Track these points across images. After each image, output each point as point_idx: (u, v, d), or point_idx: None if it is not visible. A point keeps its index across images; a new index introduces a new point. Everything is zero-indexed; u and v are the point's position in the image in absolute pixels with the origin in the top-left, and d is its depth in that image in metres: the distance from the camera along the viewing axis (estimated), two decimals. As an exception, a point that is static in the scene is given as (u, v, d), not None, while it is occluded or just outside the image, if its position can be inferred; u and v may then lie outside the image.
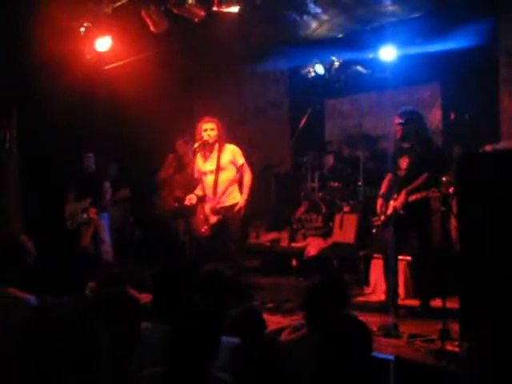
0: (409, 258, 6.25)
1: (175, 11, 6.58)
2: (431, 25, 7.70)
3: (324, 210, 7.90)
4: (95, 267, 6.24)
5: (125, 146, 8.82)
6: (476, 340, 2.78)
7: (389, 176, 6.06)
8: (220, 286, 3.77)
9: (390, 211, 5.73)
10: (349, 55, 8.47)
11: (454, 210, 5.02)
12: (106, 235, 7.69)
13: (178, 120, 8.49)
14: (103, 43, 7.25)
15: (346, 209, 7.55)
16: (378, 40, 8.12)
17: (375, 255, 6.74)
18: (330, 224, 7.65)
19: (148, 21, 6.70)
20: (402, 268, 6.37)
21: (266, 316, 5.56)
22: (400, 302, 5.88)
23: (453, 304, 4.47)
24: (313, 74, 8.73)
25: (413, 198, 5.56)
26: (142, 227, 8.88)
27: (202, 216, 6.46)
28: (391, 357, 4.03)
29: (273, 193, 9.03)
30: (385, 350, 4.33)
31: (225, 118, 6.86)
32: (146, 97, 8.19)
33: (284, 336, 3.51)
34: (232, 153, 6.41)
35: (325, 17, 8.13)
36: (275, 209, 8.91)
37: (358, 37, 8.42)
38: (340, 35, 8.79)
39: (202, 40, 7.86)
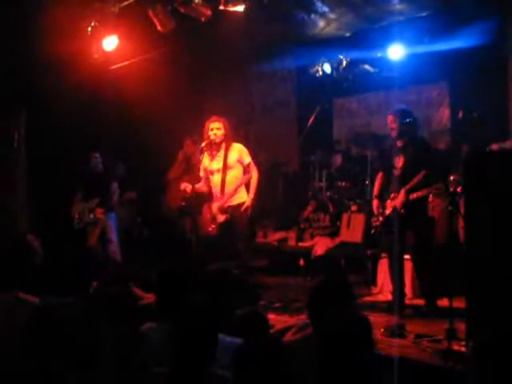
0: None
1: (182, 10, 6.58)
2: (439, 23, 7.66)
3: (331, 209, 7.88)
4: (100, 267, 6.28)
5: (132, 145, 8.83)
6: (482, 340, 2.76)
7: (380, 175, 6.08)
8: (227, 286, 3.77)
9: (388, 211, 5.73)
10: (357, 54, 8.44)
11: (462, 209, 4.99)
12: (113, 235, 7.69)
13: (185, 119, 8.48)
14: (110, 42, 7.26)
15: (354, 208, 7.53)
16: (386, 39, 8.09)
17: (382, 255, 6.73)
18: (338, 223, 7.63)
19: (155, 20, 6.70)
20: (409, 267, 6.35)
21: (273, 315, 5.62)
22: (407, 301, 5.86)
23: (460, 304, 4.45)
24: (321, 72, 8.70)
25: (414, 196, 5.55)
26: (150, 227, 8.88)
27: (209, 215, 6.47)
28: (395, 356, 4.02)
29: (280, 192, 9.03)
30: (391, 350, 4.30)
31: (232, 117, 6.86)
32: (154, 96, 8.19)
33: (289, 336, 3.50)
34: (239, 152, 6.42)
35: (332, 16, 8.11)
36: (283, 208, 8.90)
37: (366, 36, 8.40)
38: (348, 34, 8.76)
39: (208, 39, 7.86)
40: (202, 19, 6.60)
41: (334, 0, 7.64)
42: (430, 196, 6.90)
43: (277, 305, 6.20)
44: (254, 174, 6.45)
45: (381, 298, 6.40)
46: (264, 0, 6.48)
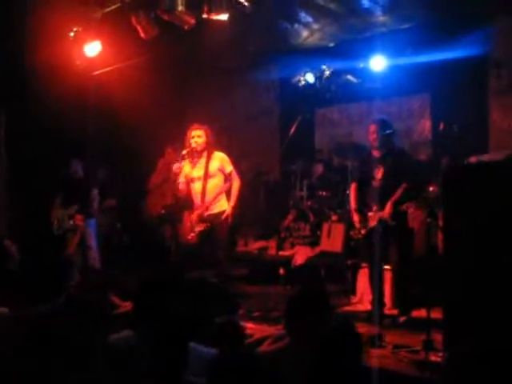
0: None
1: (165, 18, 6.57)
2: (421, 36, 7.73)
3: (312, 218, 7.89)
4: (79, 273, 6.24)
5: (114, 151, 8.79)
6: (457, 351, 2.78)
7: (354, 186, 6.09)
8: (205, 294, 3.76)
9: (373, 223, 5.72)
10: (339, 64, 8.46)
11: (440, 221, 5.03)
12: (92, 242, 7.64)
13: (168, 126, 8.47)
14: (93, 48, 7.23)
15: (334, 218, 7.54)
16: (369, 50, 8.13)
17: (362, 265, 6.74)
18: (318, 233, 7.64)
19: (138, 27, 6.69)
20: (388, 278, 6.37)
21: (252, 324, 5.60)
22: (386, 311, 5.88)
23: (437, 314, 4.47)
24: (303, 82, 8.72)
25: (404, 208, 5.57)
26: (130, 234, 8.84)
27: (188, 223, 6.46)
28: (375, 367, 4.02)
29: (261, 201, 9.03)
30: (369, 360, 4.30)
31: (215, 125, 6.86)
32: (136, 103, 8.17)
33: (265, 346, 3.50)
34: (220, 160, 6.42)
35: (316, 26, 8.16)
36: (264, 217, 8.91)
37: (349, 46, 8.45)
38: (331, 44, 8.82)
39: (192, 47, 7.87)
40: (186, 27, 6.60)
41: (317, 10, 7.68)
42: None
43: (256, 314, 6.18)
44: (236, 183, 6.46)
45: (360, 307, 6.41)
46: (247, 9, 6.48)
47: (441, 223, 4.99)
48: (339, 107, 9.42)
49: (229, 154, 6.58)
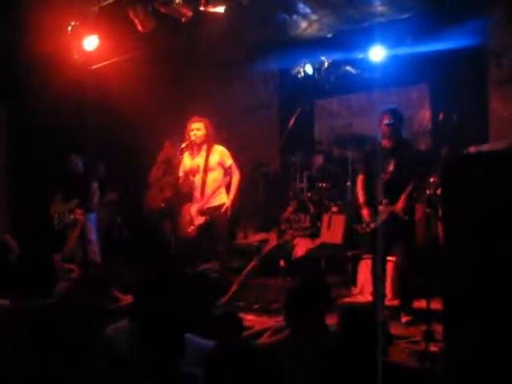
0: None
1: (162, 11, 6.56)
2: (420, 26, 7.70)
3: (312, 210, 7.87)
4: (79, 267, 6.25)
5: (113, 145, 8.77)
6: (455, 343, 2.77)
7: (361, 178, 5.94)
8: (204, 288, 3.75)
9: (384, 217, 5.52)
10: (338, 55, 8.43)
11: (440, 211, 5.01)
12: (93, 235, 7.65)
13: (167, 120, 8.45)
14: (91, 42, 7.22)
15: (334, 209, 7.52)
16: (368, 40, 8.09)
17: (364, 256, 6.74)
18: (318, 224, 7.63)
19: (135, 20, 6.68)
20: (389, 269, 6.37)
21: (252, 316, 5.62)
22: (387, 302, 5.88)
23: (437, 305, 4.47)
24: (302, 74, 8.69)
25: (416, 201, 5.46)
26: (130, 227, 8.84)
27: (188, 216, 6.46)
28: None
29: (261, 193, 9.02)
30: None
31: (214, 118, 6.85)
32: (135, 96, 8.14)
33: (264, 338, 3.50)
34: (220, 154, 6.43)
35: (314, 17, 8.13)
36: (263, 209, 8.89)
37: (348, 37, 8.41)
38: (329, 35, 8.78)
39: (190, 40, 7.84)
40: (183, 20, 6.58)
41: (315, 1, 7.66)
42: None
43: (256, 306, 6.21)
44: (236, 176, 6.46)
45: (361, 298, 6.42)
46: (244, 1, 6.46)
47: (440, 214, 4.98)
48: (339, 98, 9.40)
49: (228, 147, 6.58)
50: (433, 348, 4.23)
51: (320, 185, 8.09)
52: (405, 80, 8.24)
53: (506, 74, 7.58)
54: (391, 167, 5.61)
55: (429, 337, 4.33)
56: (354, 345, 2.70)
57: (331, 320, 3.39)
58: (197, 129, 6.36)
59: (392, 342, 3.96)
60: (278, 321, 4.96)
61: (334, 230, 7.34)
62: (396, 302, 5.86)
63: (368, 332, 2.75)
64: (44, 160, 8.03)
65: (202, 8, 6.41)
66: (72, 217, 7.53)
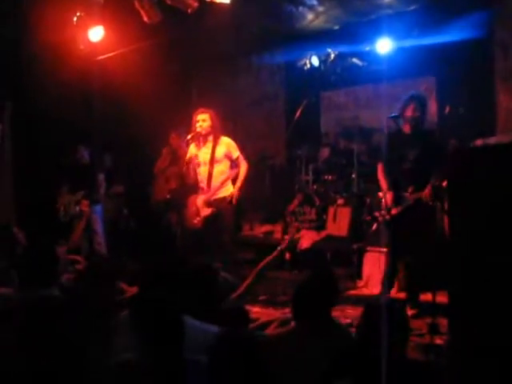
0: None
1: (168, 1, 6.53)
2: (427, 18, 7.68)
3: (318, 202, 7.87)
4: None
5: (119, 137, 8.78)
6: (459, 335, 2.77)
7: (381, 167, 5.77)
8: (210, 281, 3.74)
9: (409, 202, 5.40)
10: (345, 47, 8.42)
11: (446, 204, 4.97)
12: (98, 227, 7.66)
13: (173, 111, 8.43)
14: (96, 33, 7.20)
15: (340, 202, 7.52)
16: (375, 32, 8.07)
17: (369, 248, 6.74)
18: (324, 217, 7.63)
19: (141, 11, 6.65)
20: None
21: (258, 308, 5.62)
22: (393, 295, 5.87)
23: (443, 298, 4.46)
24: (308, 66, 8.67)
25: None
26: (136, 219, 8.85)
27: (194, 208, 6.46)
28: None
29: (267, 185, 9.01)
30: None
31: (220, 110, 6.83)
32: (141, 88, 8.13)
33: (270, 330, 3.50)
34: (227, 146, 6.41)
35: (321, 9, 8.10)
36: (269, 201, 8.90)
37: (355, 29, 8.39)
38: (336, 27, 8.76)
39: (195, 31, 7.83)
40: (189, 11, 6.56)
41: (322, -7, 7.64)
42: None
43: (262, 298, 6.21)
44: (243, 167, 6.45)
45: (366, 291, 6.42)
46: (251, -8, 6.45)
47: (446, 207, 4.95)
48: (345, 90, 9.37)
49: (234, 139, 6.56)
50: (438, 341, 4.23)
51: (326, 177, 8.09)
52: (411, 72, 8.20)
53: (513, 66, 7.55)
54: (414, 155, 5.45)
55: (434, 330, 4.32)
56: (375, 339, 2.67)
57: (336, 313, 3.39)
58: (202, 120, 6.34)
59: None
60: (284, 313, 4.97)
61: (339, 223, 7.34)
62: (402, 295, 5.85)
63: (393, 327, 2.73)
64: (49, 152, 8.03)
65: (207, -2, 6.39)
66: (78, 208, 7.55)
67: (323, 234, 7.48)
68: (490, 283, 3.75)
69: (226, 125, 6.88)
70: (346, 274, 6.88)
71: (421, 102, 5.55)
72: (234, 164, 6.44)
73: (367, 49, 8.32)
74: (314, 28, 8.64)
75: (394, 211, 5.48)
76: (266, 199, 8.95)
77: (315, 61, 8.56)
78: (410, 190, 5.45)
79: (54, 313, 3.16)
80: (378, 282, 6.49)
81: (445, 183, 5.57)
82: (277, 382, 2.98)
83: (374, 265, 6.62)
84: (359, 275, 6.72)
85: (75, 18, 7.05)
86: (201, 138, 6.42)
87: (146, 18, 6.73)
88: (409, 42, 7.85)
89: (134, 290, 4.31)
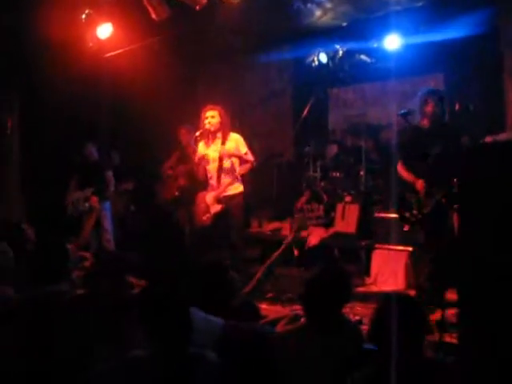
0: (410, 248, 6.26)
1: (176, -2, 6.54)
2: (435, 14, 7.64)
3: (326, 199, 7.87)
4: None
5: (127, 134, 8.79)
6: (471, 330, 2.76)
7: (401, 164, 5.60)
8: (222, 277, 3.73)
9: (439, 197, 5.26)
10: (353, 44, 8.40)
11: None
12: (107, 224, 7.68)
13: (180, 108, 8.44)
14: (104, 30, 7.21)
15: (348, 199, 7.51)
16: (383, 29, 8.05)
17: (377, 245, 6.73)
18: (332, 214, 7.62)
19: (149, 8, 6.65)
20: (403, 258, 6.36)
21: (266, 306, 5.63)
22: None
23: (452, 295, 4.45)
24: (316, 62, 8.66)
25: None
26: (144, 216, 8.85)
27: (203, 205, 6.46)
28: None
29: (275, 182, 9.01)
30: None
31: (228, 107, 6.83)
32: (149, 85, 8.14)
33: (280, 327, 3.50)
34: (236, 142, 6.42)
35: (329, 5, 8.07)
36: (277, 198, 8.89)
37: (363, 25, 8.35)
38: (344, 24, 8.71)
39: (203, 28, 7.82)
40: (197, 7, 6.55)
41: (330, -11, 7.62)
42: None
43: (270, 295, 6.22)
44: (251, 160, 6.47)
45: (374, 288, 6.42)
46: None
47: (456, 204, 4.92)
48: (353, 87, 9.35)
49: (241, 136, 6.56)
50: (447, 338, 4.22)
51: (333, 174, 8.08)
52: (420, 69, 8.18)
53: (522, 62, 7.52)
54: (437, 150, 5.34)
55: (443, 327, 4.30)
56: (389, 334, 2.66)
57: (344, 310, 3.37)
58: (211, 117, 6.34)
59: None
60: (292, 310, 4.97)
61: (347, 220, 7.34)
62: (411, 292, 5.84)
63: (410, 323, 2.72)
64: (58, 148, 8.05)
65: (215, -5, 6.39)
66: (87, 205, 7.55)
67: (331, 230, 7.48)
68: (501, 281, 3.75)
69: (234, 122, 6.87)
70: (354, 271, 6.87)
71: (439, 98, 5.51)
72: (243, 160, 6.44)
73: (375, 45, 8.30)
74: (322, 24, 8.60)
75: (426, 210, 5.35)
76: (274, 196, 8.94)
77: (323, 57, 8.55)
78: (434, 187, 5.31)
79: (64, 308, 3.17)
80: (387, 278, 6.50)
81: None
82: (286, 378, 2.98)
83: (382, 262, 6.63)
84: (367, 272, 6.71)
85: (84, 16, 7.08)
86: (210, 135, 6.41)
87: (154, 15, 6.73)
88: (417, 39, 7.82)
89: (143, 283, 4.34)
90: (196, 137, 6.42)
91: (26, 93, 8.14)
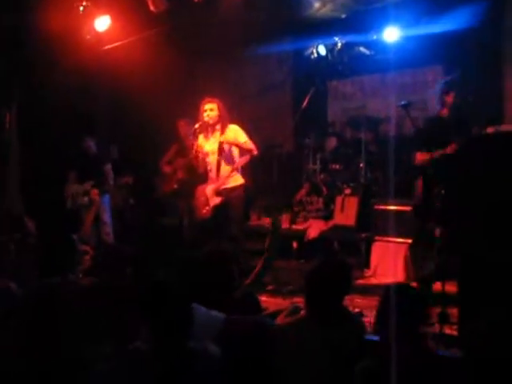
0: (410, 240, 6.26)
1: (175, -10, 6.52)
2: (434, 5, 7.62)
3: (325, 192, 7.86)
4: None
5: (126, 127, 8.77)
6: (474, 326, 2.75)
7: (420, 154, 5.55)
8: (224, 266, 3.71)
9: None
10: (352, 36, 8.36)
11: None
12: (107, 217, 7.67)
13: (179, 101, 8.42)
14: (102, 23, 7.18)
15: (347, 191, 7.51)
16: (382, 21, 8.02)
17: (376, 238, 6.73)
18: (331, 206, 7.62)
19: (147, 0, 6.63)
20: (403, 250, 6.35)
21: (266, 298, 5.63)
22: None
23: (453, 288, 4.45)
24: (315, 55, 8.63)
25: None
26: (143, 209, 8.84)
27: (203, 197, 6.45)
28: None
29: (274, 174, 8.99)
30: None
31: (227, 99, 6.81)
32: (147, 77, 8.12)
33: (280, 319, 3.50)
34: (234, 133, 6.40)
35: (328, -3, 8.05)
36: (277, 190, 8.88)
37: (362, 17, 8.32)
38: (343, 16, 8.69)
39: (202, 20, 7.79)
40: (195, -1, 6.54)
41: (329, -19, 7.59)
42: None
43: (270, 287, 6.23)
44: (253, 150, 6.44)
45: (374, 281, 6.42)
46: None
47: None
48: (352, 79, 9.32)
49: (241, 128, 6.54)
50: (448, 331, 4.22)
51: (333, 167, 8.07)
52: (419, 61, 8.17)
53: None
54: (458, 140, 5.24)
55: (444, 319, 4.30)
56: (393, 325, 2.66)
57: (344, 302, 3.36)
58: (210, 109, 6.32)
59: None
60: (292, 302, 4.98)
61: (347, 212, 7.33)
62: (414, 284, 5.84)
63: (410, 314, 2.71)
64: (56, 142, 8.03)
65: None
66: (86, 198, 7.54)
67: (331, 223, 7.48)
68: (501, 269, 3.75)
69: (233, 114, 6.85)
70: (354, 263, 6.87)
71: (460, 88, 5.53)
72: (242, 151, 6.41)
73: (374, 37, 8.27)
74: (321, 16, 8.57)
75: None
76: (274, 188, 8.93)
77: (322, 50, 8.52)
78: None
79: (69, 300, 3.16)
80: (386, 271, 6.51)
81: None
82: (286, 370, 2.98)
83: (381, 254, 6.63)
84: (367, 265, 6.72)
85: (81, 8, 7.04)
86: (209, 128, 6.40)
87: (152, 7, 6.72)
88: (416, 31, 7.79)
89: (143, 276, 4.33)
90: (195, 129, 6.40)
91: (24, 86, 8.10)
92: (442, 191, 5.24)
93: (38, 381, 2.78)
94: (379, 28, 8.08)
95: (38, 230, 4.96)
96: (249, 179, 6.56)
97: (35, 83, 7.94)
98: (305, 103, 7.75)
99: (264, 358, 2.84)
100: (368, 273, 6.63)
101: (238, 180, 6.39)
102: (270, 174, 8.94)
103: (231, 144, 6.34)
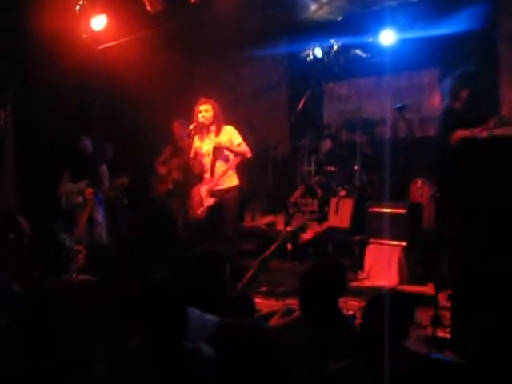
0: (404, 243, 6.28)
1: (171, -10, 6.52)
2: (430, 9, 7.64)
3: (320, 194, 7.86)
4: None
5: (121, 127, 8.75)
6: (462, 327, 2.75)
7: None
8: (218, 267, 3.70)
9: None
10: (348, 39, 8.37)
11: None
12: (100, 217, 7.65)
13: (177, 101, 8.41)
14: (99, 22, 7.17)
15: (342, 193, 7.51)
16: (378, 24, 8.04)
17: (370, 240, 6.73)
18: (326, 208, 7.62)
19: (144, 0, 6.63)
20: (397, 253, 6.35)
21: (259, 300, 5.63)
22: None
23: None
24: (311, 57, 8.64)
25: None
26: (137, 209, 8.82)
27: (197, 198, 6.46)
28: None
29: (269, 176, 8.99)
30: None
31: (223, 100, 6.81)
32: (143, 77, 8.11)
33: (274, 321, 3.50)
34: (229, 134, 6.41)
35: (324, -1, 8.06)
36: (271, 192, 8.88)
37: (358, 20, 8.35)
38: (339, 18, 8.70)
39: (198, 21, 7.78)
40: (192, 0, 6.53)
41: (326, -17, 7.59)
42: (419, 182, 6.93)
43: (263, 289, 6.22)
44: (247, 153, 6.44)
45: (368, 283, 6.42)
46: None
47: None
48: (348, 82, 9.32)
49: (236, 129, 6.54)
50: (440, 333, 4.23)
51: (328, 169, 8.06)
52: (415, 64, 8.18)
53: (517, 58, 7.51)
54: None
55: (436, 322, 4.31)
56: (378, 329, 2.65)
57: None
58: (205, 110, 6.33)
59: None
60: (285, 304, 4.97)
61: (341, 214, 7.33)
62: (404, 287, 5.86)
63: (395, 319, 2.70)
64: (51, 141, 8.00)
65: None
66: (80, 198, 7.52)
67: (325, 225, 7.47)
68: (498, 270, 3.75)
69: (228, 115, 6.86)
70: (348, 265, 6.85)
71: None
72: (236, 152, 6.41)
73: (370, 40, 8.29)
74: (317, 19, 8.59)
75: None
76: (269, 190, 8.93)
77: (318, 52, 8.52)
78: None
79: (64, 300, 3.15)
80: (380, 273, 6.50)
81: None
82: (281, 371, 2.97)
83: (375, 256, 6.62)
84: (361, 267, 6.71)
85: (78, 7, 7.03)
86: (203, 129, 6.40)
87: (148, 7, 6.72)
88: (412, 34, 7.81)
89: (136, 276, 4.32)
90: (190, 130, 6.41)
91: (19, 85, 8.08)
92: (437, 194, 5.29)
93: (37, 381, 2.77)
94: (375, 31, 8.11)
95: (32, 230, 4.94)
96: (244, 180, 6.56)
97: (30, 82, 7.92)
98: (300, 105, 7.77)
99: (258, 359, 2.83)
100: (362, 275, 6.62)
101: (232, 181, 6.39)
102: (265, 175, 8.94)
103: (224, 149, 6.35)
